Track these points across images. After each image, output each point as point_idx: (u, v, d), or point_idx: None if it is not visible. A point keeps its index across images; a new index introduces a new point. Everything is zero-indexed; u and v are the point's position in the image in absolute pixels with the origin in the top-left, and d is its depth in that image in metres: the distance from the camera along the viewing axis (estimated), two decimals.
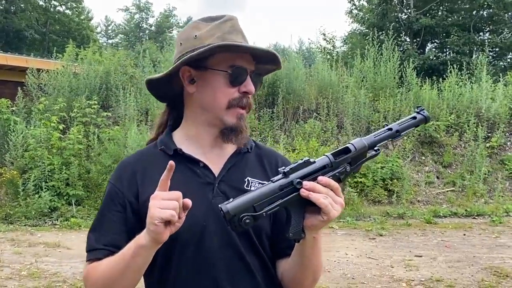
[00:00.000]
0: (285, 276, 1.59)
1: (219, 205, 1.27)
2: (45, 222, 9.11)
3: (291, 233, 1.32)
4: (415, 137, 11.62)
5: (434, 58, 23.70)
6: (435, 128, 11.69)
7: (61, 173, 9.77)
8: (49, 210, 9.34)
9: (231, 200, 1.28)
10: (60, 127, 10.68)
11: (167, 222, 1.25)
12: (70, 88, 12.06)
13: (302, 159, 1.34)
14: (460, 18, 24.94)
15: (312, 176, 1.32)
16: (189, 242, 1.47)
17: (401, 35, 24.89)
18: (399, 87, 12.87)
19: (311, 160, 1.34)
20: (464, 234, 8.39)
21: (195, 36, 1.53)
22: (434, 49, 26.38)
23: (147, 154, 1.63)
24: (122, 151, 10.35)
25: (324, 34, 25.88)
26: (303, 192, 1.29)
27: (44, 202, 9.26)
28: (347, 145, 1.38)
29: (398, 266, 6.57)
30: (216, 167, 1.57)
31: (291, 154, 10.50)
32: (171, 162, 1.29)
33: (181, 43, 1.57)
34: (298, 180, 1.30)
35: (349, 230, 8.76)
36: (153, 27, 58.12)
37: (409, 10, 25.11)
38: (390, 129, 1.42)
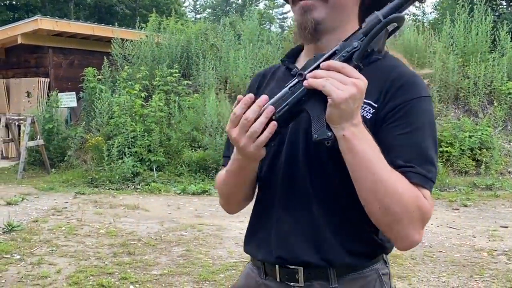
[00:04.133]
0: None
1: None
2: (128, 186, 9.41)
3: (316, 134, 1.15)
4: (507, 104, 10.87)
5: None
6: None
7: (143, 139, 10.03)
8: (132, 175, 9.62)
9: None
10: (143, 95, 10.92)
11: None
12: (152, 57, 12.30)
13: (314, 55, 1.20)
14: None
15: None
16: (268, 154, 1.29)
17: None
18: (492, 52, 12.07)
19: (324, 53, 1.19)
20: None
21: None
22: None
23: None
24: (201, 118, 10.46)
25: None
26: (305, 83, 1.13)
27: (127, 167, 9.55)
28: None
29: (481, 236, 6.17)
30: None
31: None
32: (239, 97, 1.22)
33: None
34: (299, 72, 1.15)
35: None
36: (240, 0, 58.13)
37: None
38: None
